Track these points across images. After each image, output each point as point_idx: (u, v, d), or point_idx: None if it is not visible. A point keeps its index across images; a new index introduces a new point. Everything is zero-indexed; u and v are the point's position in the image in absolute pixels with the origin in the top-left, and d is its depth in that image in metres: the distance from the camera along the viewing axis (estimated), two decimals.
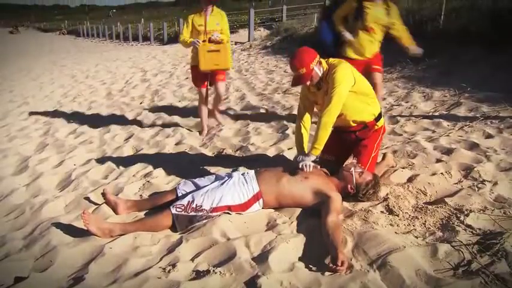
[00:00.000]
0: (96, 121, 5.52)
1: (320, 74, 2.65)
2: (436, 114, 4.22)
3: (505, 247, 1.92)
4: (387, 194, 2.65)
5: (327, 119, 2.60)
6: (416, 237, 2.14)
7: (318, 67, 2.62)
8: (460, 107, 4.26)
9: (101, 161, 3.76)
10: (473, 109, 4.14)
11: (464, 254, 1.94)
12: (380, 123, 2.85)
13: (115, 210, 2.72)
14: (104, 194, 2.81)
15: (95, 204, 2.86)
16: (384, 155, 3.13)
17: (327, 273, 1.91)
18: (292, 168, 2.67)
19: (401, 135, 3.80)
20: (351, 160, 2.98)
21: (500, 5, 5.83)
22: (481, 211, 2.29)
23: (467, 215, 2.25)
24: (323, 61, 2.67)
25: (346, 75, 2.61)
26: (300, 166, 2.63)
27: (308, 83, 2.67)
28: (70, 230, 2.48)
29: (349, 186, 2.60)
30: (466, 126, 3.73)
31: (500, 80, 4.61)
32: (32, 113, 6.28)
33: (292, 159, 2.93)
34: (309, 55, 2.59)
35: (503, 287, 1.68)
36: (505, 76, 4.61)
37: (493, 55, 5.21)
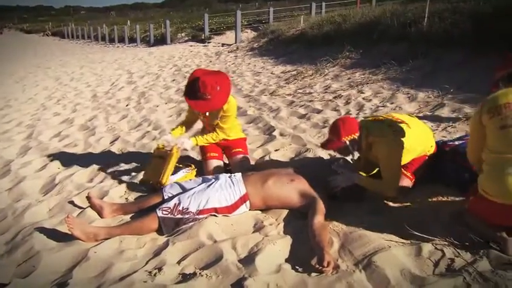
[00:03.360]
0: (81, 124, 5.46)
1: (351, 149, 2.62)
2: (420, 115, 4.27)
3: (487, 245, 1.96)
4: (372, 194, 2.67)
5: (389, 191, 2.56)
6: (401, 236, 2.17)
7: (352, 142, 2.58)
8: (443, 108, 4.33)
9: (86, 164, 3.70)
10: (456, 110, 4.21)
11: (448, 253, 1.97)
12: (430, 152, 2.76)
13: (100, 213, 2.69)
14: (88, 198, 2.77)
15: (80, 208, 2.82)
16: None
17: (313, 274, 1.91)
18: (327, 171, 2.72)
19: None
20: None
21: (481, 10, 5.94)
22: (465, 210, 2.32)
23: (450, 214, 2.29)
24: (364, 131, 2.62)
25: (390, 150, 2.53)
26: (332, 181, 2.66)
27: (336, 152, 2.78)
28: (54, 234, 2.43)
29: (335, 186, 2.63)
30: (449, 126, 3.79)
31: (481, 82, 4.68)
32: (14, 116, 6.17)
33: (333, 165, 2.95)
34: (347, 129, 2.57)
35: (485, 284, 1.71)
36: (486, 78, 4.68)
37: (475, 58, 5.31)
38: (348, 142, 2.57)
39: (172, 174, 3.05)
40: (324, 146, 2.73)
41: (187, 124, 3.37)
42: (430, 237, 2.09)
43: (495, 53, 4.81)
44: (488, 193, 1.94)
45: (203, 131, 3.45)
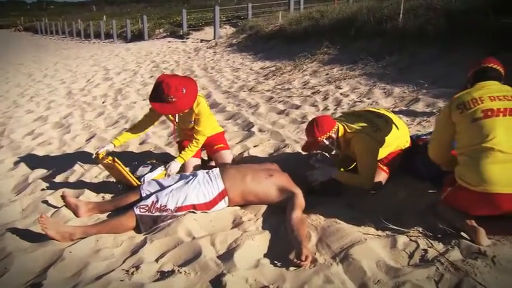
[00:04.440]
0: (55, 122, 5.32)
1: (331, 145, 2.66)
2: (396, 109, 4.35)
3: (459, 236, 2.03)
4: (349, 189, 2.71)
5: (365, 185, 2.61)
6: (377, 229, 2.21)
7: (329, 139, 2.63)
8: (418, 103, 4.42)
9: (61, 162, 3.62)
10: (431, 104, 4.30)
11: (421, 244, 2.02)
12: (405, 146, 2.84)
13: (75, 213, 2.63)
14: (63, 197, 2.70)
15: (54, 207, 2.76)
16: None
17: (291, 268, 1.93)
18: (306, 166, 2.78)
19: None
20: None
21: (453, 6, 6.08)
22: (438, 201, 2.38)
23: (425, 206, 2.35)
24: (341, 128, 2.67)
25: (367, 146, 2.58)
26: (309, 176, 2.70)
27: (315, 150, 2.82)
28: (27, 235, 2.37)
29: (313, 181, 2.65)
30: (423, 121, 3.88)
31: (454, 77, 4.80)
32: None
33: (311, 160, 3.05)
34: (321, 129, 2.61)
35: (457, 273, 1.77)
36: (459, 73, 4.82)
37: (448, 53, 5.43)
38: (325, 140, 2.62)
39: (150, 171, 3.02)
40: (305, 149, 2.81)
41: (139, 128, 3.23)
42: (404, 230, 2.15)
43: (467, 49, 4.95)
44: (467, 182, 2.00)
45: (177, 134, 3.43)
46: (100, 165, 3.21)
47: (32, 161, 3.75)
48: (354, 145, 2.62)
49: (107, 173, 3.35)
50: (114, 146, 3.05)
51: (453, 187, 2.13)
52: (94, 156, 3.00)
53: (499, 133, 1.95)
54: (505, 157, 1.91)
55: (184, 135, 3.31)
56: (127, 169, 2.89)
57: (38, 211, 2.70)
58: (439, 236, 2.07)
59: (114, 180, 3.15)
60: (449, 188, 2.16)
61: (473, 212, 2.06)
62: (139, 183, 2.84)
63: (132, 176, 2.88)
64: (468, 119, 2.05)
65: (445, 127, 2.21)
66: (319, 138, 2.61)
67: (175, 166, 3.02)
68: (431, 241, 2.03)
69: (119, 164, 2.85)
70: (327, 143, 2.64)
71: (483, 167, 1.93)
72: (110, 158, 2.87)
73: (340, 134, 2.67)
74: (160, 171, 3.04)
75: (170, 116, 3.16)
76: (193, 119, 3.09)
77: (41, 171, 3.46)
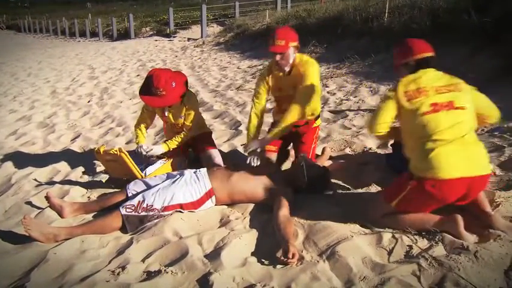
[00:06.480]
0: (39, 121, 5.24)
1: (290, 60, 2.74)
2: None
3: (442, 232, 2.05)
4: (337, 186, 2.73)
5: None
6: (363, 226, 2.24)
7: (292, 50, 2.73)
8: None
9: (45, 163, 3.56)
10: None
11: (406, 240, 2.05)
12: (318, 122, 3.05)
13: (60, 213, 2.59)
14: (47, 198, 2.66)
15: (38, 208, 2.71)
16: (323, 148, 3.28)
17: (278, 266, 1.94)
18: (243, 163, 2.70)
19: (350, 128, 3.93)
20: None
21: (437, 5, 6.17)
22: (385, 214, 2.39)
23: None
24: (298, 55, 2.78)
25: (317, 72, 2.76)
26: (248, 162, 2.68)
27: (278, 57, 2.72)
28: (10, 237, 2.34)
29: (300, 179, 2.66)
30: None
31: None
32: None
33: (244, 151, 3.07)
34: (293, 35, 2.72)
35: (440, 268, 1.79)
36: (442, 71, 4.90)
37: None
38: (291, 48, 2.71)
39: (150, 165, 3.02)
40: (276, 48, 2.73)
41: (143, 124, 3.21)
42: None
43: (450, 47, 5.03)
44: (420, 170, 2.05)
45: (167, 131, 3.40)
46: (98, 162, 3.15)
47: (15, 161, 3.68)
48: (307, 66, 2.72)
49: (93, 173, 3.31)
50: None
51: (410, 181, 2.10)
52: (95, 151, 2.97)
53: (443, 126, 2.03)
54: (450, 145, 2.00)
55: (172, 135, 3.30)
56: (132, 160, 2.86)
57: (22, 212, 2.65)
58: (423, 232, 2.10)
59: (104, 181, 3.11)
60: (410, 181, 2.11)
61: (425, 208, 2.12)
62: (143, 175, 2.82)
63: (137, 167, 2.85)
64: (415, 111, 2.10)
65: (388, 108, 2.24)
66: (290, 44, 2.69)
67: (158, 149, 3.04)
68: (415, 237, 2.06)
69: (126, 155, 2.81)
70: (290, 52, 2.71)
71: (432, 156, 2.00)
72: (115, 149, 2.83)
73: (296, 58, 2.77)
74: (159, 164, 3.02)
75: (160, 111, 3.15)
76: (183, 114, 3.08)
77: (25, 172, 3.40)
